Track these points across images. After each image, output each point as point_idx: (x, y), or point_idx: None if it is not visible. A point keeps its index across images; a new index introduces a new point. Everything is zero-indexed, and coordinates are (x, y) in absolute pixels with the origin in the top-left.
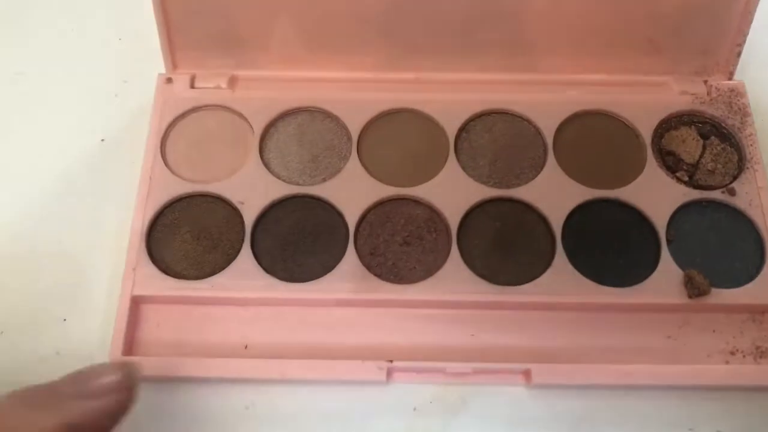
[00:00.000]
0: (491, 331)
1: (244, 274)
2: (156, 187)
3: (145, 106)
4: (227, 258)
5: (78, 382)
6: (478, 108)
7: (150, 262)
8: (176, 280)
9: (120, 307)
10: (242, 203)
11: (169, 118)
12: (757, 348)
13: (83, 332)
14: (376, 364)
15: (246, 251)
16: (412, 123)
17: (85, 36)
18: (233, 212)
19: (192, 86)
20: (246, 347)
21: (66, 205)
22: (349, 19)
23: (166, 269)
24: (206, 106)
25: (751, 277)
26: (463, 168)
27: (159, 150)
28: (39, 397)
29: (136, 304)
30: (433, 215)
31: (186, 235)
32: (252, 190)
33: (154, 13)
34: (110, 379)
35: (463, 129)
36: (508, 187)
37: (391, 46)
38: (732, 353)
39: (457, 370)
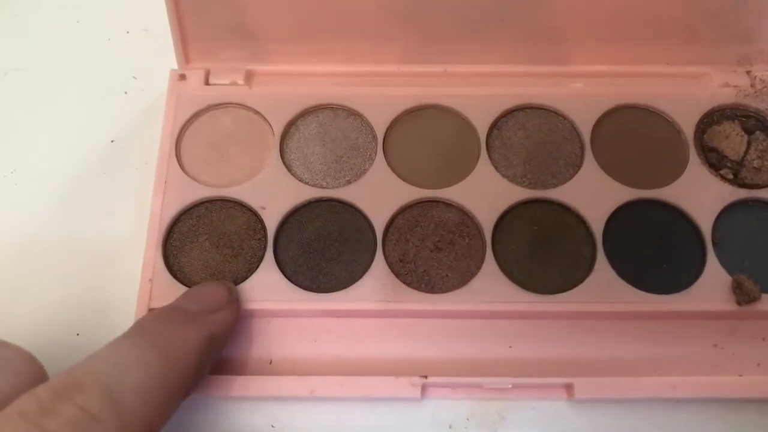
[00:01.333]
0: (530, 342)
1: (266, 284)
2: (171, 192)
3: (156, 103)
4: (249, 267)
5: (197, 300)
6: (510, 103)
7: (167, 272)
8: None
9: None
10: (264, 208)
11: (183, 118)
12: None
13: (97, 348)
14: (410, 380)
15: (269, 259)
16: (440, 120)
17: (89, 29)
18: (254, 218)
19: (206, 83)
20: (270, 362)
21: (74, 213)
22: (372, 7)
23: (185, 280)
24: (222, 104)
25: None
26: (496, 167)
27: (174, 152)
28: (176, 316)
29: None
30: (465, 218)
31: (205, 243)
32: (273, 194)
33: (165, 2)
34: (223, 294)
35: (494, 126)
36: (544, 187)
37: (417, 35)
38: None
39: (495, 385)
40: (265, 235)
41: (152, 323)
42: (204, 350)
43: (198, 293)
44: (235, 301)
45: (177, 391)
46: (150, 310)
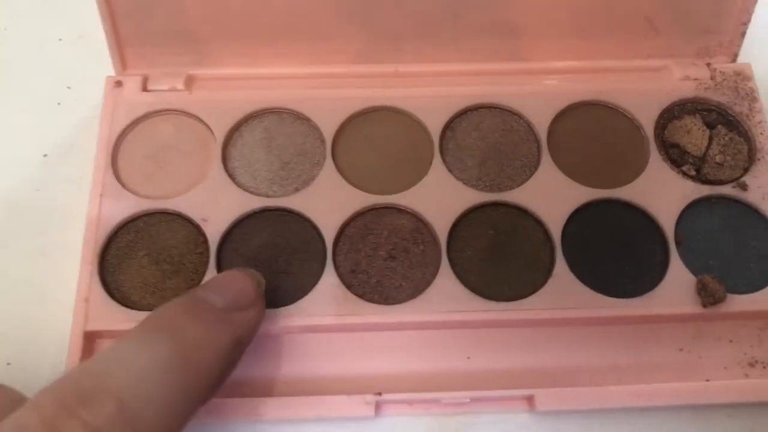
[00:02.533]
0: (489, 352)
1: None
2: (107, 206)
3: (92, 114)
4: (191, 283)
5: (223, 294)
6: (464, 103)
7: (104, 291)
8: (134, 311)
9: (72, 345)
10: (205, 220)
11: (119, 127)
12: None
13: (30, 377)
14: (363, 398)
15: (211, 275)
16: (391, 122)
17: (18, 37)
18: (196, 231)
19: (144, 89)
20: None
21: (4, 233)
22: (319, 5)
23: (123, 299)
24: (161, 111)
25: None
26: (450, 170)
27: (110, 163)
28: (200, 311)
29: (91, 340)
30: (419, 225)
31: (143, 260)
32: (216, 205)
33: (97, 6)
34: (251, 289)
35: (448, 127)
36: (500, 189)
37: (366, 34)
38: (751, 365)
39: (453, 400)
40: (207, 249)
41: (174, 318)
42: (229, 355)
43: (224, 285)
44: (262, 298)
45: (195, 403)
46: (86, 333)
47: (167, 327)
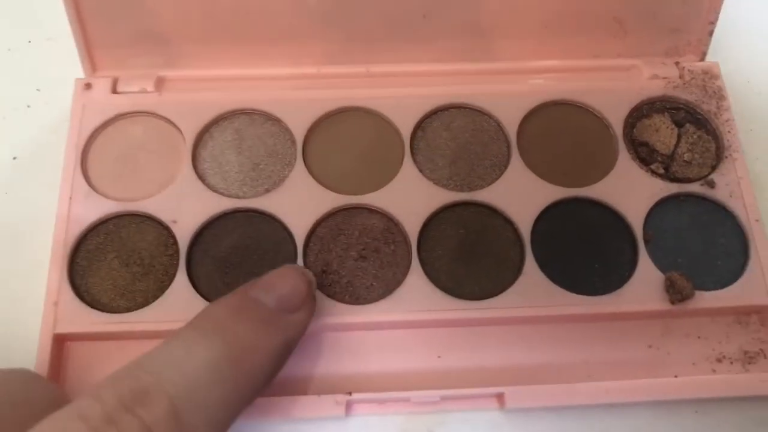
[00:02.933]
0: (459, 350)
1: (180, 303)
2: (77, 208)
3: (63, 116)
4: (161, 285)
5: (276, 295)
6: (434, 103)
7: (73, 294)
8: (104, 313)
9: (41, 348)
10: (175, 222)
11: (89, 129)
12: (745, 353)
13: None
14: (334, 398)
15: (181, 277)
16: (362, 122)
17: None
18: (166, 232)
19: (114, 91)
20: None
21: None
22: (290, 6)
23: (93, 302)
24: (131, 113)
25: (735, 276)
26: (421, 170)
27: (79, 166)
28: (254, 313)
29: (60, 343)
30: (390, 225)
31: (113, 262)
32: (186, 207)
33: (66, 8)
34: (303, 290)
35: (419, 127)
36: (470, 189)
37: (337, 35)
38: (719, 360)
39: (423, 399)
40: (177, 251)
41: (226, 320)
42: (279, 359)
43: (277, 285)
44: (313, 299)
45: (243, 405)
46: (56, 336)
47: (219, 328)
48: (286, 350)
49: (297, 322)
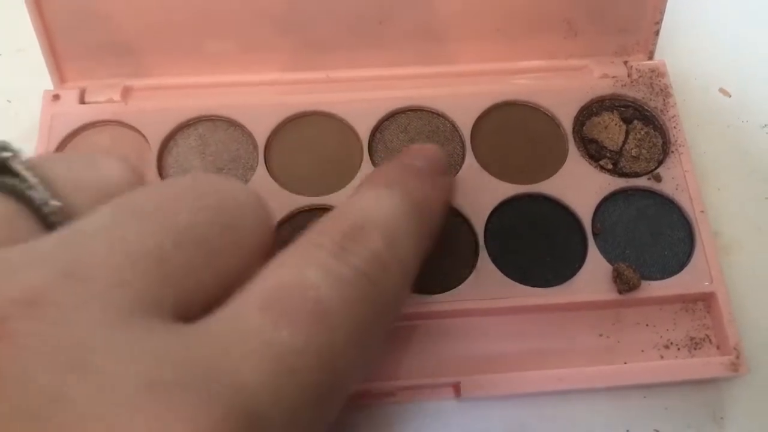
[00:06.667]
0: (416, 343)
1: None
2: None
3: (33, 127)
4: None
5: (423, 156)
6: (392, 106)
7: None
8: None
9: None
10: None
11: (57, 139)
12: (692, 339)
13: None
14: None
15: None
16: (322, 126)
17: None
18: None
19: (82, 101)
20: None
21: None
22: (250, 16)
23: None
24: (98, 122)
25: (681, 266)
26: None
27: None
28: (415, 170)
29: None
30: None
31: None
32: None
33: (32, 22)
34: (443, 156)
35: (377, 129)
36: None
37: (298, 43)
38: (666, 347)
39: (379, 390)
40: None
41: (398, 177)
42: (443, 215)
43: (421, 150)
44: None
45: (424, 253)
46: None
47: (394, 182)
48: (445, 210)
49: (448, 183)
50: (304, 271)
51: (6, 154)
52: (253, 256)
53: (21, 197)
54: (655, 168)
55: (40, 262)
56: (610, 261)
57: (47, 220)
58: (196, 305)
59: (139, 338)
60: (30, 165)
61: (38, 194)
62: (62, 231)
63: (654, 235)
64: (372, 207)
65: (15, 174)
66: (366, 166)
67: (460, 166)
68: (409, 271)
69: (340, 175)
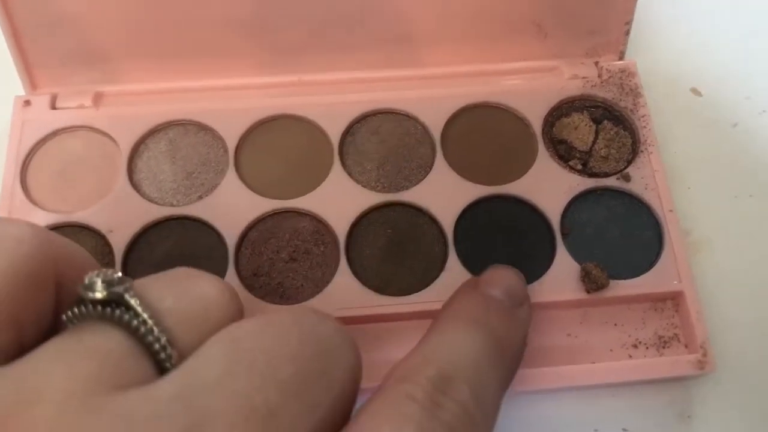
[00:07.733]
0: (385, 345)
1: None
2: None
3: (3, 133)
4: None
5: (504, 290)
6: (362, 109)
7: None
8: None
9: None
10: (111, 231)
11: (28, 145)
12: (660, 338)
13: None
14: None
15: None
16: (293, 130)
17: None
18: (102, 241)
19: (53, 107)
20: None
21: None
22: (221, 20)
23: None
24: (69, 127)
25: (650, 265)
26: (350, 174)
27: (18, 181)
28: (494, 305)
29: None
30: (320, 227)
31: None
32: (122, 216)
33: (2, 28)
34: (523, 285)
35: (348, 132)
36: (397, 190)
37: (268, 47)
38: (635, 346)
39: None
40: (113, 260)
41: (480, 314)
42: (522, 351)
43: (501, 280)
44: (528, 296)
45: (504, 393)
46: None
47: (476, 321)
48: (525, 343)
49: (526, 315)
50: (402, 429)
51: (121, 289)
52: (342, 401)
53: (134, 334)
54: (625, 168)
55: (161, 418)
56: (578, 261)
57: (157, 357)
58: None
59: None
60: (145, 302)
61: (155, 338)
62: (177, 378)
63: (623, 234)
64: (457, 351)
65: (128, 307)
66: (337, 169)
67: (431, 168)
68: (493, 417)
69: (310, 178)
